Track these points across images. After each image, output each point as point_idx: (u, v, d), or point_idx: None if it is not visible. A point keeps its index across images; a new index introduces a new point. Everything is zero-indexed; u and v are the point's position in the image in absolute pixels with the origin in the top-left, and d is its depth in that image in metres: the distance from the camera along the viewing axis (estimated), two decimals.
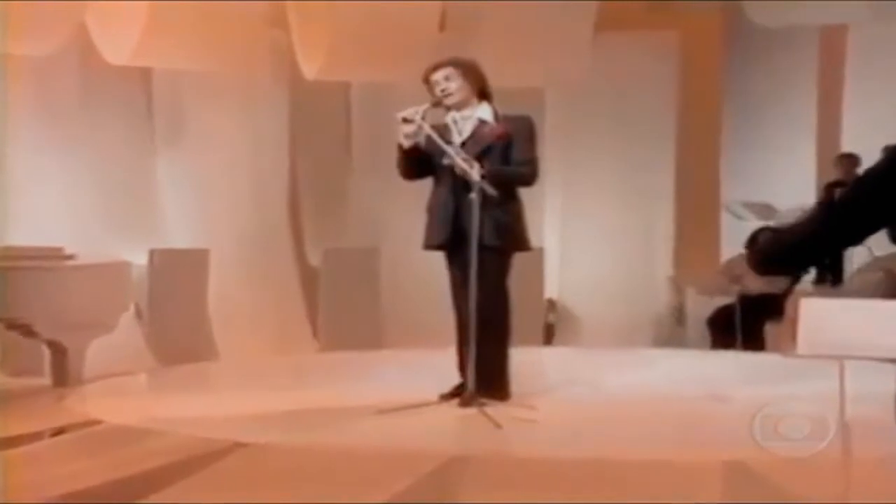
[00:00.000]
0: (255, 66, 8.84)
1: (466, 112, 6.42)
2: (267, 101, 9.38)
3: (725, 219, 10.61)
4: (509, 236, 6.36)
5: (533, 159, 6.41)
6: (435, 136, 6.27)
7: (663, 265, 10.21)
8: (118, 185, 8.86)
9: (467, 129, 6.41)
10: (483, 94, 6.46)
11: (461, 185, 6.25)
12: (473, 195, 6.11)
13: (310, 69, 8.85)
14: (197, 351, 8.50)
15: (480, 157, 6.26)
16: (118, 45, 8.16)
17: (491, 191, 6.10)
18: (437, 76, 6.39)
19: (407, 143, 6.30)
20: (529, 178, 6.41)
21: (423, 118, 6.24)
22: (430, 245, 6.49)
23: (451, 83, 6.36)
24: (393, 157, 6.54)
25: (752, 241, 10.02)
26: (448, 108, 6.42)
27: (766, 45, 10.89)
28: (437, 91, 6.37)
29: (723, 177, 10.57)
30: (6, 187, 8.18)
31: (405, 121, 6.24)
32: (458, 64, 6.42)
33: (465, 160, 6.18)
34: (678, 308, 10.16)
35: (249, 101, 9.26)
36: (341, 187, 9.87)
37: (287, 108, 9.50)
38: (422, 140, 6.31)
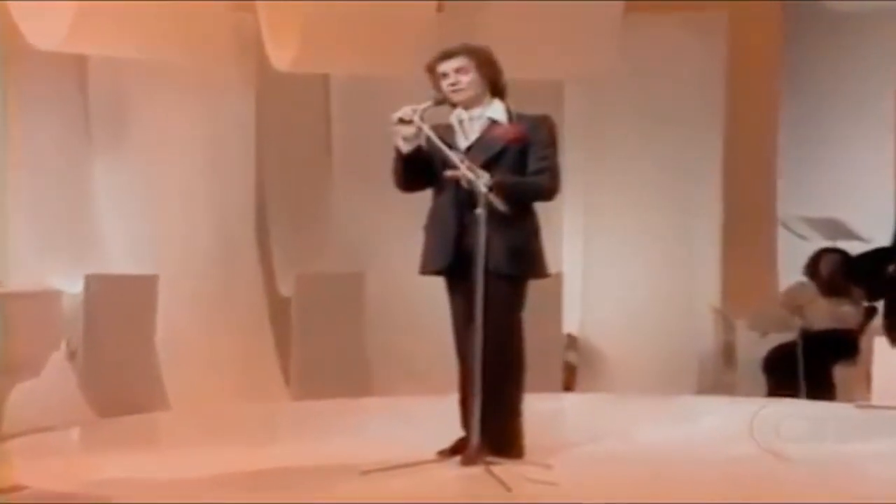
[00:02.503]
0: (214, 55, 8.83)
1: (476, 111, 6.44)
2: (229, 97, 9.39)
3: (783, 237, 10.60)
4: (522, 260, 6.36)
5: (553, 167, 6.41)
6: (436, 140, 6.28)
7: (708, 294, 10.20)
8: (47, 196, 8.84)
9: (475, 131, 6.43)
10: (496, 90, 6.47)
11: (466, 198, 6.25)
12: (479, 210, 6.11)
13: (281, 58, 8.85)
14: (143, 399, 8.48)
15: (490, 165, 6.27)
16: (47, 27, 8.14)
17: (500, 205, 6.10)
18: (447, 67, 6.41)
19: (406, 148, 6.31)
20: (548, 191, 6.42)
21: (422, 118, 6.25)
22: (428, 270, 6.49)
23: (462, 76, 6.39)
24: (380, 162, 6.54)
25: (814, 265, 10.02)
26: (453, 106, 6.43)
27: (834, 29, 10.88)
28: (445, 85, 6.39)
29: (780, 186, 10.56)
30: None
31: (402, 122, 6.24)
32: (471, 53, 6.44)
33: (469, 168, 6.17)
34: (727, 347, 10.15)
35: (208, 97, 9.27)
36: (319, 200, 9.88)
37: (253, 106, 9.51)
38: (424, 143, 6.31)
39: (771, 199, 10.54)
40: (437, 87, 6.43)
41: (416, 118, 6.25)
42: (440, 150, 6.27)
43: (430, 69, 6.47)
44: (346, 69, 9.43)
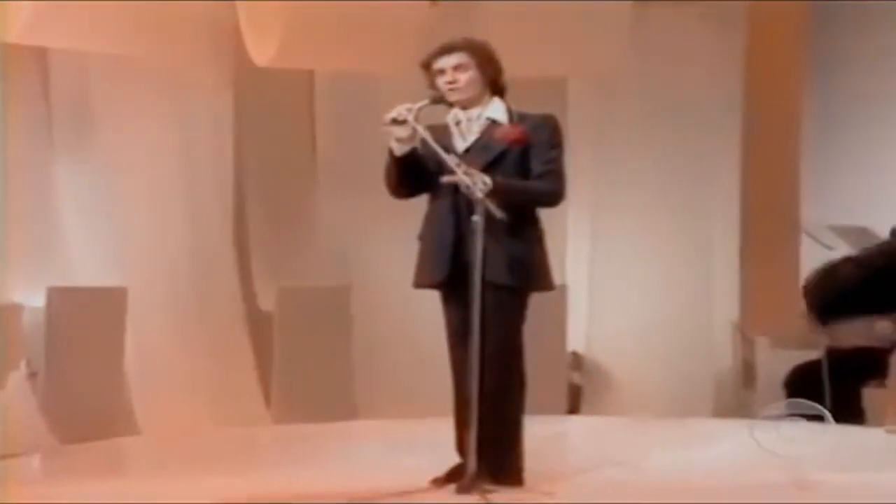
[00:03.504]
0: (188, 49, 8.83)
1: (474, 111, 6.44)
2: (204, 96, 9.39)
3: (807, 247, 10.58)
4: (524, 271, 6.34)
5: (557, 170, 6.41)
6: (431, 142, 6.26)
7: (725, 308, 10.19)
8: (5, 202, 8.81)
9: (474, 133, 6.43)
10: (495, 88, 6.48)
11: (465, 204, 6.24)
12: (476, 217, 6.10)
13: (262, 54, 8.84)
14: (110, 423, 8.46)
15: (490, 168, 6.26)
16: (6, 18, 8.13)
17: (497, 212, 6.08)
18: (444, 63, 6.40)
19: (400, 150, 6.30)
20: (553, 195, 6.42)
21: (416, 118, 6.23)
22: (423, 283, 6.49)
23: (460, 74, 6.39)
24: (369, 165, 6.52)
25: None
26: (450, 105, 6.43)
27: (862, 23, 10.88)
28: (442, 82, 6.39)
29: (803, 192, 10.56)
30: None
31: (395, 122, 6.23)
32: (471, 49, 6.45)
33: (466, 172, 6.15)
34: (745, 365, 10.14)
35: (181, 95, 9.27)
36: (302, 206, 9.88)
37: (231, 105, 9.51)
38: (419, 144, 6.30)
39: (793, 205, 10.54)
40: (433, 85, 6.43)
41: (410, 118, 6.24)
42: (436, 153, 6.25)
43: (426, 65, 6.46)
44: (331, 65, 9.43)
